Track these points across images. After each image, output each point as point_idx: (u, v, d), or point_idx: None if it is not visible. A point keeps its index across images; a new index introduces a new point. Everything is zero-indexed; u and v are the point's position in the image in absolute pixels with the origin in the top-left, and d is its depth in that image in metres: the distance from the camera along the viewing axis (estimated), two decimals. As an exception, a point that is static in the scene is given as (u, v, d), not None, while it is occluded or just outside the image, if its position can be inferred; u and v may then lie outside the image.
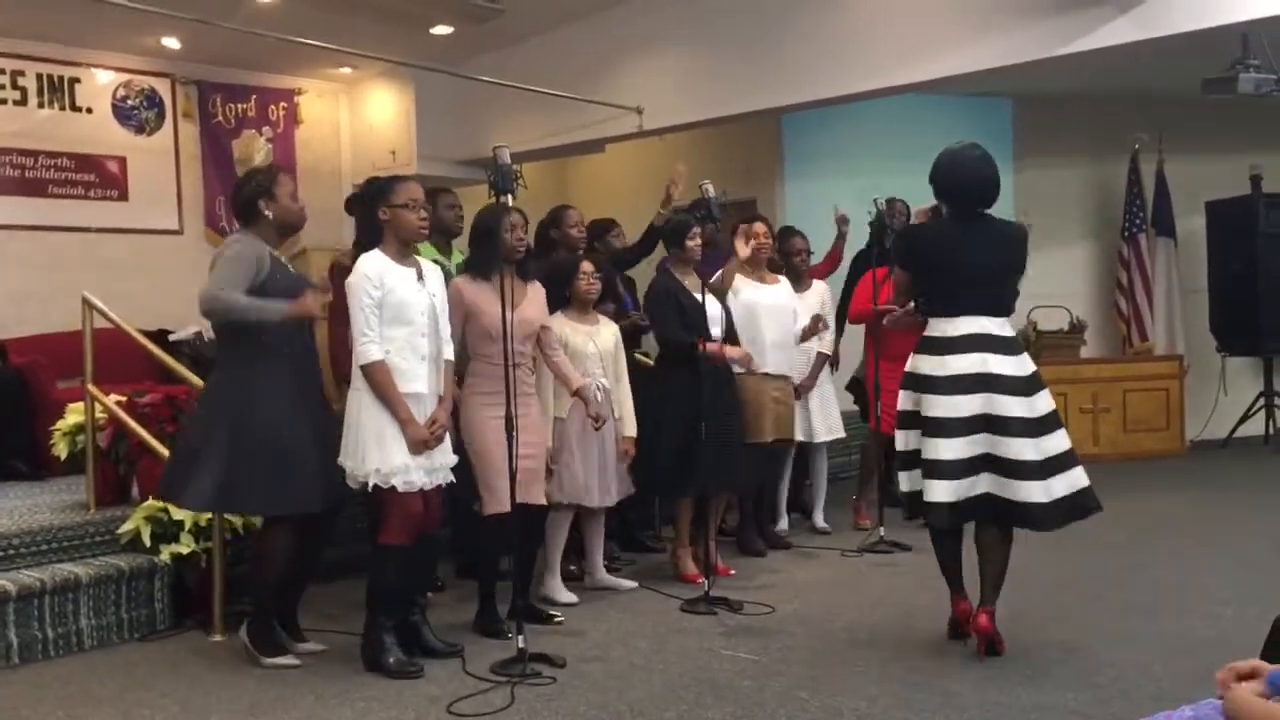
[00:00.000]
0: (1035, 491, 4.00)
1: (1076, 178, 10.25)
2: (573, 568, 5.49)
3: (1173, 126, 9.72)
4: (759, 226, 6.10)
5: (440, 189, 5.64)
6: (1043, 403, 4.11)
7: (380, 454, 4.08)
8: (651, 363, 5.99)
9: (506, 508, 4.31)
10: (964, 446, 4.04)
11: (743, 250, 5.74)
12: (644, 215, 6.46)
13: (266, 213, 4.33)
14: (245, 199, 4.36)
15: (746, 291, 5.96)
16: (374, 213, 4.29)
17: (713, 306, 5.53)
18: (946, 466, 4.05)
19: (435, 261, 5.26)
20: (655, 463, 5.42)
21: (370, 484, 4.09)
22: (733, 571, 5.64)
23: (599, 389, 5.14)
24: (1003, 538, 4.16)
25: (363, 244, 4.44)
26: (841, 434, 6.73)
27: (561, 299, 5.23)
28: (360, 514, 5.60)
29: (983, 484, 4.08)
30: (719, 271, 5.83)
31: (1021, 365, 4.14)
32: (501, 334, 4.38)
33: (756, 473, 5.98)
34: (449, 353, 4.36)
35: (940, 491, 4.06)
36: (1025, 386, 4.09)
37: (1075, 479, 4.10)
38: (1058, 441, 4.10)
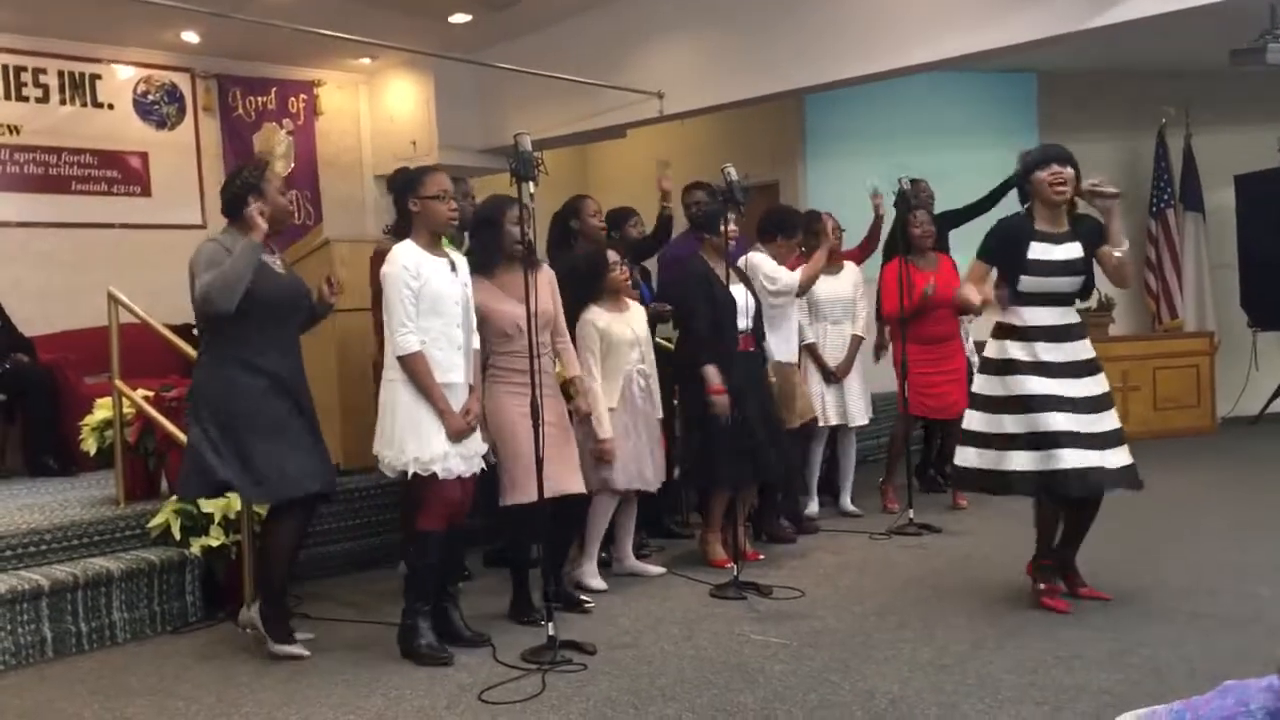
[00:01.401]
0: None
1: (1103, 153, 10.11)
2: (603, 554, 5.49)
3: (1200, 100, 9.60)
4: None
5: (451, 179, 5.60)
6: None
7: (418, 443, 4.11)
8: (672, 347, 5.94)
9: (532, 497, 4.30)
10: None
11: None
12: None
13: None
14: (233, 195, 4.31)
15: (785, 278, 5.93)
16: (403, 203, 4.30)
17: (743, 297, 5.49)
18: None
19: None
20: (689, 453, 5.41)
21: (410, 472, 4.11)
22: (761, 556, 5.62)
23: (639, 374, 5.17)
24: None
25: (398, 234, 4.44)
26: (871, 415, 6.68)
27: (592, 292, 5.20)
28: (365, 509, 5.66)
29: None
30: (743, 257, 5.82)
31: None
32: (517, 329, 4.42)
33: (790, 458, 5.97)
34: (476, 343, 4.38)
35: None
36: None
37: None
38: None
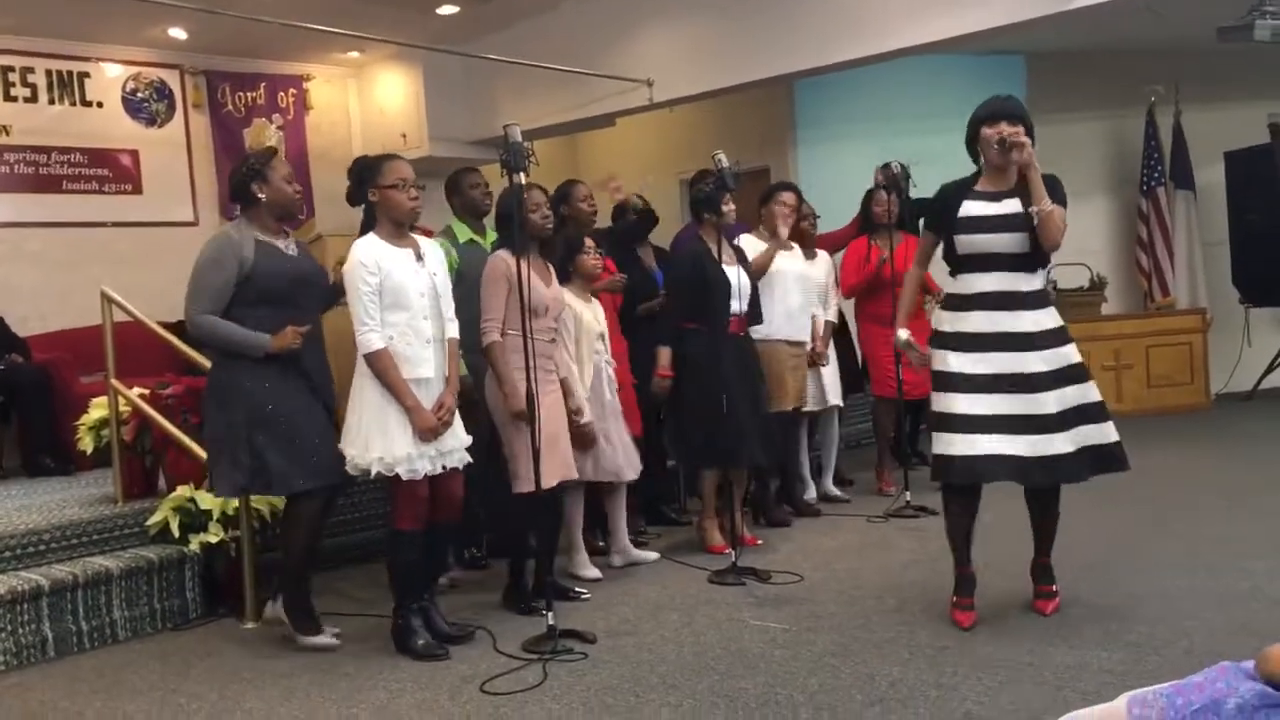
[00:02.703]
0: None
1: (1093, 133, 10.15)
2: (600, 543, 5.51)
3: (1189, 77, 9.60)
4: (789, 196, 6.07)
5: (465, 169, 5.63)
6: None
7: (384, 442, 4.04)
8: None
9: (531, 486, 4.32)
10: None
11: (783, 230, 5.76)
12: (657, 188, 6.45)
13: (260, 195, 4.31)
14: (238, 182, 4.35)
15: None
16: (363, 194, 4.26)
17: (737, 279, 5.48)
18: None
19: (471, 241, 5.26)
20: (680, 435, 5.43)
21: (374, 472, 4.07)
22: (759, 541, 5.64)
23: (609, 365, 5.21)
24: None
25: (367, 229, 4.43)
26: (841, 400, 6.70)
27: (562, 274, 5.22)
28: (364, 502, 5.67)
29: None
30: (738, 238, 5.82)
31: None
32: (544, 309, 4.51)
33: (781, 442, 5.98)
34: (453, 331, 4.29)
35: None
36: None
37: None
38: None
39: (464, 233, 5.37)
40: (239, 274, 4.21)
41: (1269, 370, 9.63)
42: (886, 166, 6.41)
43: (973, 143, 4.13)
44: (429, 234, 4.98)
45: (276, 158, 4.46)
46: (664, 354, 5.49)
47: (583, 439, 4.93)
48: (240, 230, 4.32)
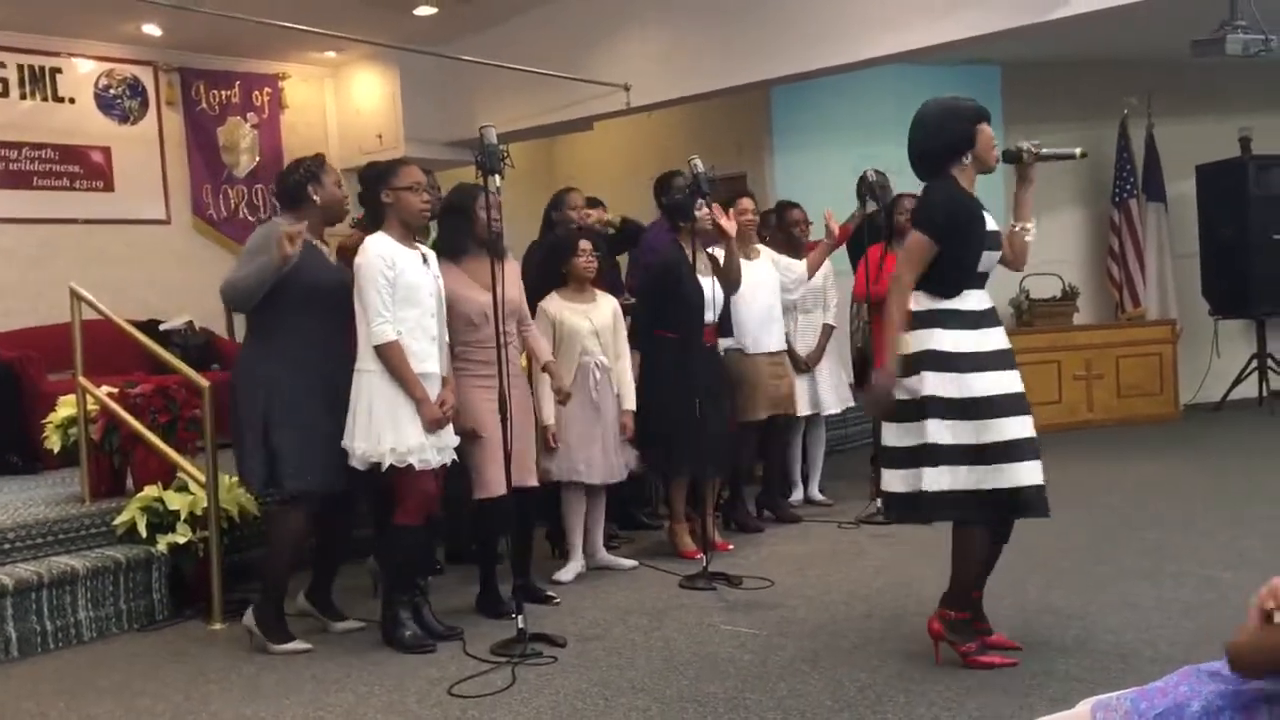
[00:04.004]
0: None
1: (1066, 144, 10.18)
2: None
3: (1162, 90, 9.69)
4: (745, 202, 6.07)
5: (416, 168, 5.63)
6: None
7: (396, 434, 4.09)
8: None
9: (502, 490, 4.32)
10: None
11: (729, 225, 5.66)
12: (634, 193, 6.43)
13: (315, 198, 4.34)
14: (295, 184, 4.36)
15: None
16: (376, 196, 4.30)
17: (710, 289, 5.46)
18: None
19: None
20: (646, 442, 5.42)
21: (385, 464, 4.09)
22: (731, 547, 5.64)
23: (596, 366, 5.15)
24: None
25: (368, 227, 4.45)
26: (851, 403, 6.71)
27: (555, 276, 5.21)
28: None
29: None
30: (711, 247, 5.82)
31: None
32: (483, 318, 4.45)
33: (748, 452, 6.00)
34: (447, 335, 4.38)
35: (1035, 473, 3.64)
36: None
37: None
38: None
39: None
40: (281, 265, 4.11)
41: (1237, 382, 9.72)
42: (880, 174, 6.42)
43: (962, 141, 3.74)
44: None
45: (328, 163, 4.49)
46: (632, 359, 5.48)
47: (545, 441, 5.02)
48: (272, 229, 4.27)
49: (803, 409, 6.42)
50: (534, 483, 4.72)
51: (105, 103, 8.48)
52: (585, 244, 5.27)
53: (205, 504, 4.75)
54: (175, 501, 4.83)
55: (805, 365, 6.42)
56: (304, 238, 4.15)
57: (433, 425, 4.16)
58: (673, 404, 5.27)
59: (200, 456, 4.94)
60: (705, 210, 5.35)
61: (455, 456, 4.35)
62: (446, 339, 4.37)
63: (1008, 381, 3.67)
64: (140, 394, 5.16)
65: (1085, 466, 7.25)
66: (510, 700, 3.65)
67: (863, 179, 6.30)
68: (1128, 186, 9.94)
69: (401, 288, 4.15)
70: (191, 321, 7.86)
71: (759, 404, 5.97)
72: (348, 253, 4.52)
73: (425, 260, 4.30)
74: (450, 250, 4.58)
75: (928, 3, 6.45)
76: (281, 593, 4.40)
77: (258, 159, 9.15)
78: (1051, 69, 9.55)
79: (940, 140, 3.79)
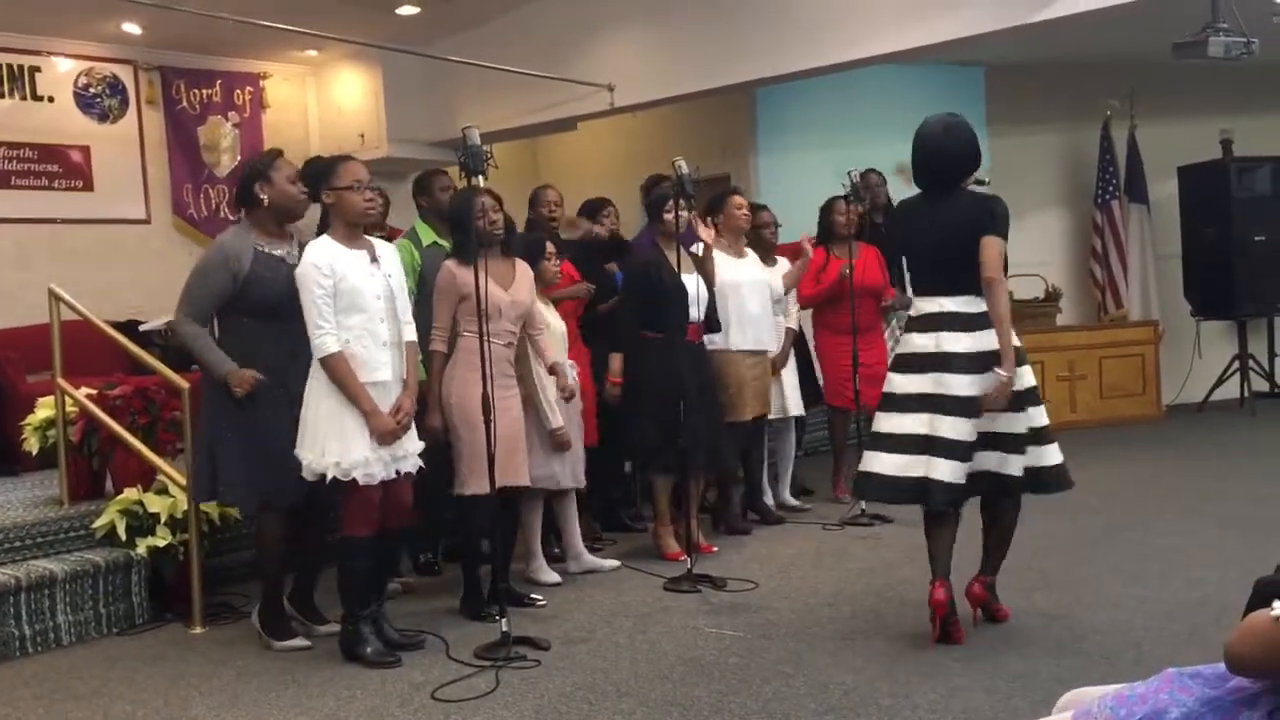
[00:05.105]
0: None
1: (1049, 145, 10.25)
2: (556, 550, 5.47)
3: (1144, 92, 9.72)
4: (738, 199, 6.07)
5: (435, 171, 5.65)
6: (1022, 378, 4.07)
7: (340, 447, 3.97)
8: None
9: (485, 489, 4.30)
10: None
11: (706, 234, 5.65)
12: (618, 193, 6.42)
13: (261, 196, 4.25)
14: (242, 184, 4.31)
15: (725, 268, 5.86)
16: (316, 195, 4.20)
17: (694, 286, 5.45)
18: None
19: (435, 244, 5.20)
20: (633, 441, 5.40)
21: (329, 477, 3.99)
22: (715, 549, 5.62)
23: (572, 367, 5.16)
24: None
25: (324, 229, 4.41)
26: (802, 410, 6.69)
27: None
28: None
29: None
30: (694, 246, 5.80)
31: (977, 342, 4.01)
32: (496, 312, 4.46)
33: (735, 452, 5.97)
34: (410, 334, 4.24)
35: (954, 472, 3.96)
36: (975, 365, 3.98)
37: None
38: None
39: (428, 235, 5.30)
40: (232, 286, 4.18)
41: (1219, 383, 9.76)
42: (865, 175, 6.47)
43: (978, 160, 4.11)
44: (395, 235, 4.92)
45: (281, 158, 4.38)
46: (616, 360, 5.47)
47: (557, 443, 4.99)
48: (240, 238, 4.24)
49: (771, 411, 6.39)
50: (525, 481, 4.70)
51: (85, 102, 8.41)
52: (551, 248, 5.27)
53: (185, 507, 4.71)
54: (155, 504, 4.78)
55: (774, 368, 6.39)
56: (254, 377, 4.16)
57: (385, 438, 4.02)
58: (658, 403, 5.25)
59: (180, 459, 4.90)
60: (671, 215, 5.36)
61: (421, 463, 4.22)
62: (409, 338, 4.22)
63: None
64: (120, 395, 5.12)
65: (1068, 467, 7.24)
66: (494, 705, 3.63)
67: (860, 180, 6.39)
68: (1110, 188, 9.97)
69: (344, 294, 3.99)
70: (171, 322, 7.81)
71: (745, 403, 5.94)
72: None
73: (374, 259, 4.13)
74: (465, 257, 4.48)
75: (912, 4, 6.46)
76: (277, 592, 4.39)
77: (239, 158, 9.07)
78: (1034, 70, 9.57)
79: (976, 158, 4.13)
